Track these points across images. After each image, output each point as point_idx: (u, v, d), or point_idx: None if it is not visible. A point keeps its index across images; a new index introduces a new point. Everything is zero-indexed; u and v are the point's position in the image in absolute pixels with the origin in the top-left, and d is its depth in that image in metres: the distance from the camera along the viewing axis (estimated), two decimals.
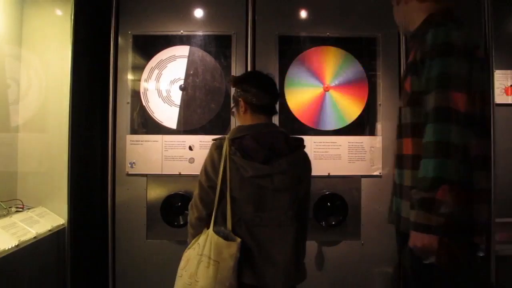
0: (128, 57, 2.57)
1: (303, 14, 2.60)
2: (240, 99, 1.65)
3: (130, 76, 2.57)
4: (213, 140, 1.63)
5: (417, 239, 1.16)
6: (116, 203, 2.52)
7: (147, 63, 2.56)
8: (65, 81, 2.19)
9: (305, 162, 1.69)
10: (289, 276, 1.55)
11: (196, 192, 1.63)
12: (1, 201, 2.04)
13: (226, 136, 1.58)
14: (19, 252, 1.77)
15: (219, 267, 1.45)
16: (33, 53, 2.29)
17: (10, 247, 1.72)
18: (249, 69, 2.50)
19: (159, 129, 2.54)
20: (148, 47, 2.57)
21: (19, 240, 1.79)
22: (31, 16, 2.29)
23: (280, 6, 2.57)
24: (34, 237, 1.91)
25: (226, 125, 2.53)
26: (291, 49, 2.56)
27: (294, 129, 2.50)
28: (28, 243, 1.86)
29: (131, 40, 2.56)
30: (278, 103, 1.73)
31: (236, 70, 2.53)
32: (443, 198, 1.12)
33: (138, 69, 2.56)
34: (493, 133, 1.59)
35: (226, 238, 1.49)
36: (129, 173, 2.52)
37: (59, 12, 2.31)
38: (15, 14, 2.24)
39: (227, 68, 2.55)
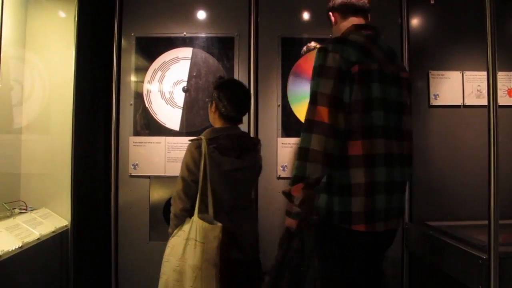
0: (131, 59, 2.58)
1: (306, 16, 2.61)
2: (213, 101, 1.85)
3: (133, 78, 2.58)
4: (190, 140, 1.81)
5: (287, 220, 1.50)
6: (119, 204, 2.53)
7: (150, 64, 2.57)
8: (69, 83, 2.19)
9: (260, 158, 2.01)
10: (257, 248, 1.92)
11: (179, 187, 1.79)
12: (5, 203, 2.04)
13: (203, 137, 1.77)
14: (23, 253, 1.77)
15: (204, 248, 1.67)
16: (37, 55, 2.30)
17: (13, 248, 1.72)
18: (252, 70, 2.50)
19: (162, 130, 2.55)
20: (151, 49, 2.59)
21: (22, 242, 1.79)
22: (34, 18, 2.30)
23: (283, 8, 2.58)
24: (38, 239, 1.92)
25: None
26: (293, 51, 2.57)
27: (297, 130, 2.50)
28: (32, 244, 1.86)
29: (134, 42, 2.57)
30: (245, 115, 1.95)
31: (239, 71, 2.54)
32: (295, 194, 1.40)
33: (141, 70, 2.57)
34: (496, 135, 1.59)
35: (210, 223, 1.72)
36: (132, 174, 2.52)
37: (62, 14, 2.32)
38: (19, 16, 2.25)
39: (230, 69, 2.56)
